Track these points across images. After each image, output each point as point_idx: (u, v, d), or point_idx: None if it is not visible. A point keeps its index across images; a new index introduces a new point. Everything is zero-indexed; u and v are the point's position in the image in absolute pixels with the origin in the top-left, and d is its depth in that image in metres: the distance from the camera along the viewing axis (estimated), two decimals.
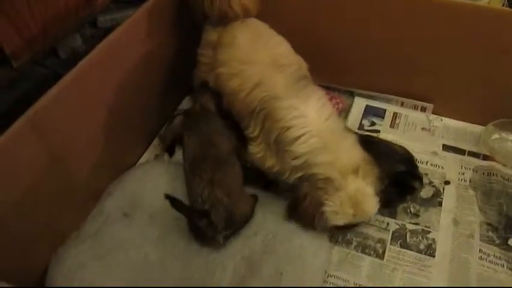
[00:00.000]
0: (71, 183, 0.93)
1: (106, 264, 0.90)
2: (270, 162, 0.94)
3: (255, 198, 0.98)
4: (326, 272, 0.92)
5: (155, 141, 1.19)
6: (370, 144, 1.02)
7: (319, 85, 1.26)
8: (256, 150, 0.96)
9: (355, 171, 0.87)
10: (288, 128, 0.88)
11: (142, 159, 1.16)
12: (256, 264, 0.91)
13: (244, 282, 0.89)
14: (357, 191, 0.86)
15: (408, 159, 1.06)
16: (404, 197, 1.03)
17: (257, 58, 0.97)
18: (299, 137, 0.87)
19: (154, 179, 1.05)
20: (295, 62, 1.00)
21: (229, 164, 0.96)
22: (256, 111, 0.93)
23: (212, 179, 0.91)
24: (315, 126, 0.88)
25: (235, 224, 0.91)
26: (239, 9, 1.02)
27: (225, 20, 1.04)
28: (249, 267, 0.91)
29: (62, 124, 0.87)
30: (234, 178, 0.95)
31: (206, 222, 0.87)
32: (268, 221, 0.97)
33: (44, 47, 1.11)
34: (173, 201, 0.85)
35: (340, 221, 0.87)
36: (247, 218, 0.95)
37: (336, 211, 0.86)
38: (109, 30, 0.97)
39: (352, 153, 0.89)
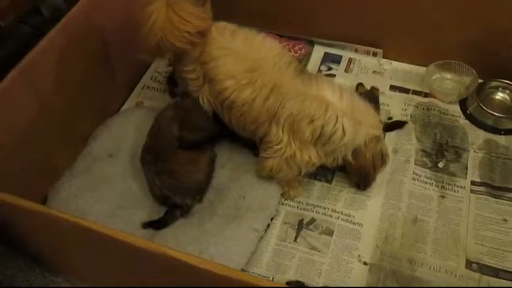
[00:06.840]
0: (62, 126, 1.08)
1: (96, 194, 1.05)
2: (305, 156, 0.97)
3: (210, 161, 1.09)
4: (281, 195, 1.08)
5: (136, 90, 1.33)
6: None
7: (284, 36, 1.41)
8: (283, 149, 0.97)
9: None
10: (323, 126, 0.92)
11: (124, 106, 1.29)
12: (223, 191, 1.08)
13: (213, 205, 1.06)
14: None
15: None
16: None
17: (261, 64, 0.96)
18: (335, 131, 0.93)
19: (135, 124, 1.19)
20: (291, 58, 1.00)
21: (169, 152, 1.05)
22: (278, 115, 0.95)
23: (156, 169, 1.03)
24: (340, 108, 0.93)
25: (198, 191, 1.06)
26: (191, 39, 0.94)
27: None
28: (217, 194, 1.08)
29: (51, 74, 1.01)
30: (178, 161, 1.04)
31: (180, 210, 1.02)
32: (234, 155, 1.13)
33: (28, 5, 1.22)
34: (150, 225, 1.01)
35: None
36: (204, 182, 1.07)
37: None
38: None
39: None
